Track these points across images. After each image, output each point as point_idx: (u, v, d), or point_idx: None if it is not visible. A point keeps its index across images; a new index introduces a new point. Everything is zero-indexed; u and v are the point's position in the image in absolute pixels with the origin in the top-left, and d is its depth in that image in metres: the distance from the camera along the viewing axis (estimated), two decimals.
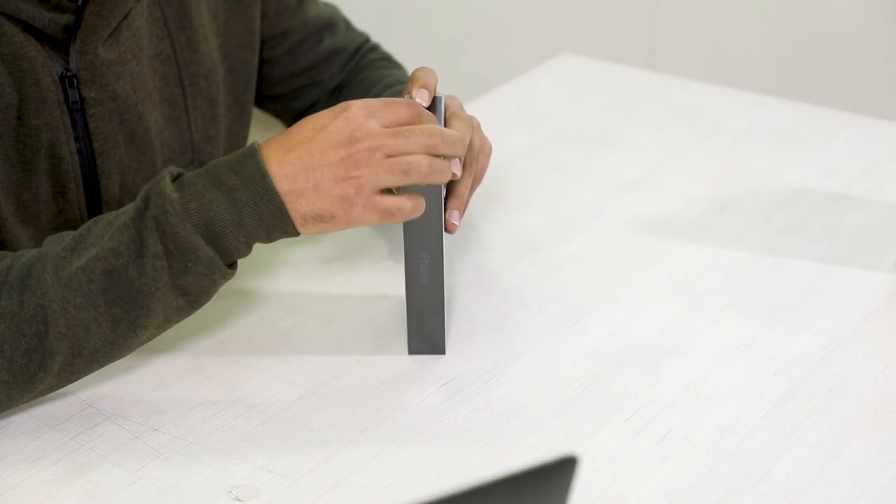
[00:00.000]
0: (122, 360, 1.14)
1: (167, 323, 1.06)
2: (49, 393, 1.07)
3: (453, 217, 1.12)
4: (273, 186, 1.02)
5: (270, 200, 1.02)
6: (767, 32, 2.55)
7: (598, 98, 1.69)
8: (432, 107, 1.09)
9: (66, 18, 1.14)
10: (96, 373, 1.12)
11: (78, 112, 1.16)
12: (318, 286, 1.26)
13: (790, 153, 1.53)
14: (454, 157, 1.07)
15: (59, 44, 1.14)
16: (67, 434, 1.06)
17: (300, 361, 1.15)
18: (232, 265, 1.05)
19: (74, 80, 1.15)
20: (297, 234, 1.05)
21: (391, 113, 1.04)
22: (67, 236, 1.05)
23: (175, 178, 1.04)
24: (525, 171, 1.49)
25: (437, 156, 1.05)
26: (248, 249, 1.05)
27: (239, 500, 0.99)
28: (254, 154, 1.03)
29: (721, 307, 1.23)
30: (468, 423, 1.08)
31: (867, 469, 1.03)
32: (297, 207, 1.03)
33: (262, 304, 1.23)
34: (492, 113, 1.61)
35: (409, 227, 1.10)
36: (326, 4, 1.42)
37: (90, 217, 1.20)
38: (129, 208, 1.04)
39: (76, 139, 1.16)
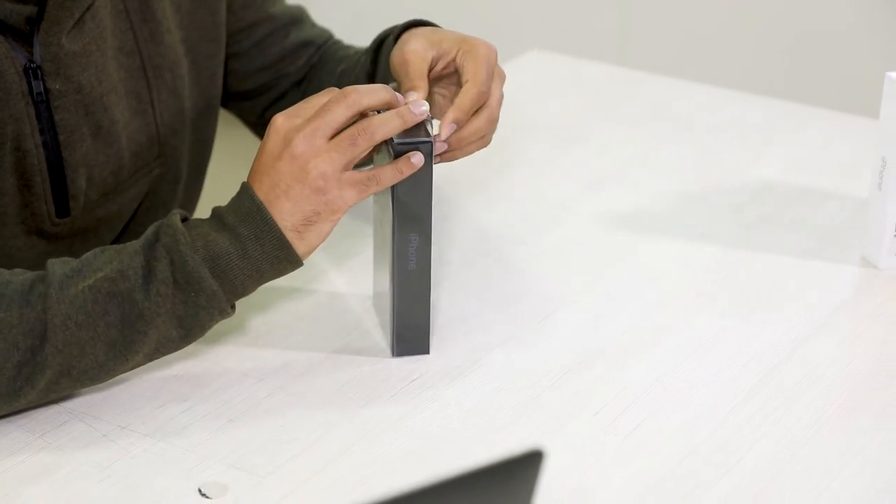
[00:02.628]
0: None
1: (156, 353, 1.07)
2: (24, 409, 1.07)
3: (447, 129, 1.14)
4: (269, 215, 1.05)
5: (269, 229, 1.05)
6: (736, 29, 2.55)
7: (568, 94, 1.69)
8: None
9: (28, 9, 1.13)
10: None
11: (43, 104, 1.15)
12: (287, 283, 1.25)
13: (759, 147, 1.53)
14: (380, 102, 1.08)
15: (22, 35, 1.14)
16: (34, 433, 1.05)
17: (269, 358, 1.15)
18: (233, 305, 1.07)
19: (39, 72, 1.14)
20: (299, 261, 1.07)
21: (309, 106, 1.07)
22: (73, 261, 1.06)
23: (183, 219, 1.07)
24: (496, 167, 1.49)
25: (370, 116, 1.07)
26: (255, 287, 1.07)
27: (207, 497, 0.99)
28: (247, 191, 1.06)
29: (690, 301, 1.24)
30: (438, 418, 1.08)
31: (835, 459, 1.04)
32: (285, 224, 1.05)
33: None
34: None
35: (399, 207, 1.10)
36: (294, 4, 1.42)
37: (57, 211, 1.19)
38: (139, 240, 1.06)
39: (41, 131, 1.16)
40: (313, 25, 1.43)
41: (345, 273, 1.28)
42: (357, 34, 1.94)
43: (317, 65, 1.40)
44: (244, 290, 1.07)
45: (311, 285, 1.25)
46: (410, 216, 1.10)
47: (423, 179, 1.09)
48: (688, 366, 1.15)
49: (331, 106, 1.06)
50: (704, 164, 1.50)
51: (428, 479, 0.96)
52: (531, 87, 1.71)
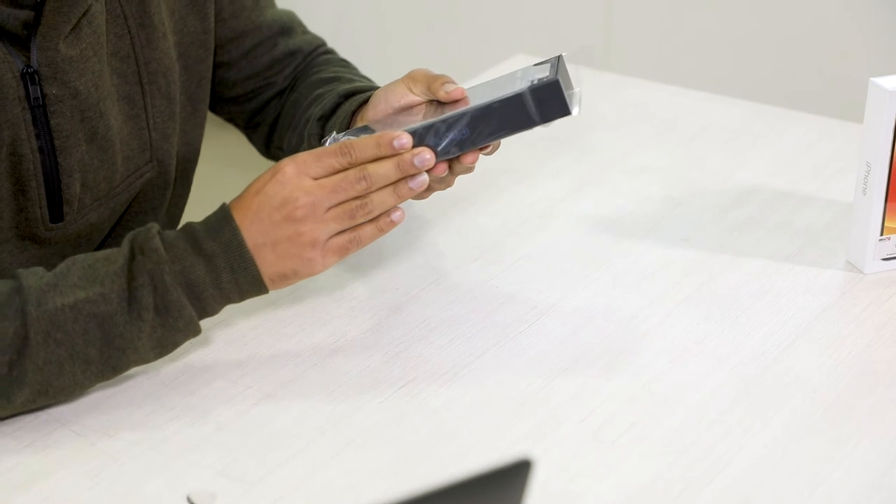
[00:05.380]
0: None
1: (128, 369, 1.09)
2: None
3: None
4: (250, 254, 1.07)
5: (247, 268, 1.08)
6: (720, 33, 2.56)
7: None
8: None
9: (25, 14, 1.13)
10: None
11: (39, 109, 1.15)
12: (274, 290, 1.25)
13: (742, 151, 1.54)
14: (387, 197, 1.09)
15: (19, 40, 1.14)
16: (22, 441, 1.05)
17: (256, 365, 1.15)
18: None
19: (36, 77, 1.14)
20: (266, 292, 1.10)
21: (322, 166, 1.08)
22: (42, 271, 1.07)
23: (158, 232, 1.08)
24: (479, 172, 1.48)
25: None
26: (220, 309, 1.10)
27: None
28: (228, 220, 1.08)
29: (675, 306, 1.24)
30: (425, 425, 1.08)
31: (822, 463, 1.04)
32: (264, 271, 1.08)
33: None
34: None
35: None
36: (284, 10, 1.42)
37: (51, 216, 1.19)
38: (114, 257, 1.07)
39: (38, 136, 1.16)
40: (304, 32, 1.42)
41: (332, 279, 1.28)
42: (340, 35, 1.94)
43: (300, 75, 1.39)
44: (213, 313, 1.10)
45: (297, 292, 1.25)
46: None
47: None
48: (673, 371, 1.15)
49: (346, 186, 1.07)
50: (688, 168, 1.50)
51: (416, 487, 0.97)
52: None
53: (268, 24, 1.39)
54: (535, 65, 1.17)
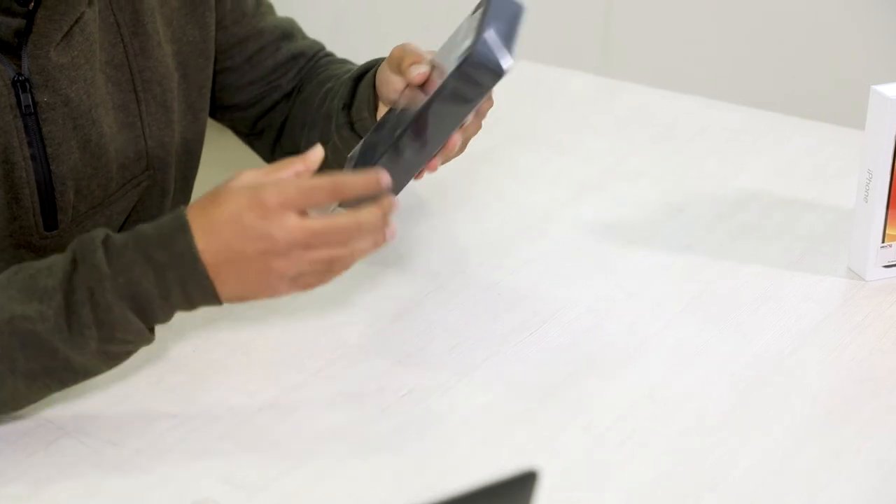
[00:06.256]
0: None
1: (82, 380, 1.06)
2: None
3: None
4: (204, 270, 0.99)
5: (200, 284, 1.00)
6: (719, 38, 2.56)
7: (552, 104, 1.69)
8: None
9: (17, 22, 1.14)
10: None
11: (31, 117, 1.16)
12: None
13: (742, 157, 1.54)
14: (368, 247, 1.02)
15: (10, 48, 1.14)
16: (26, 450, 1.05)
17: (259, 373, 1.15)
18: (152, 330, 1.04)
19: (27, 84, 1.15)
20: (220, 304, 1.03)
21: (308, 201, 0.99)
22: None
23: (102, 241, 1.01)
24: (480, 178, 1.49)
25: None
26: (172, 316, 1.04)
27: None
28: (184, 230, 0.99)
29: (676, 312, 1.24)
30: (429, 432, 1.08)
31: (823, 470, 1.04)
32: (222, 291, 1.01)
33: (219, 316, 1.22)
34: None
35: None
36: (284, 17, 1.43)
37: (45, 224, 1.19)
38: (56, 268, 1.01)
39: (30, 144, 1.16)
40: (304, 37, 1.43)
41: (336, 286, 1.27)
42: (337, 38, 1.94)
43: (305, 78, 1.40)
44: (165, 321, 1.04)
45: (300, 299, 1.25)
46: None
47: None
48: (674, 378, 1.15)
49: (328, 242, 0.99)
50: (688, 173, 1.50)
51: (421, 496, 0.97)
52: (515, 96, 1.71)
53: (270, 29, 1.39)
54: (473, 13, 1.09)
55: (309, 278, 1.01)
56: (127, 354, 1.05)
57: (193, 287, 1.00)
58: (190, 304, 1.02)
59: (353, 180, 1.00)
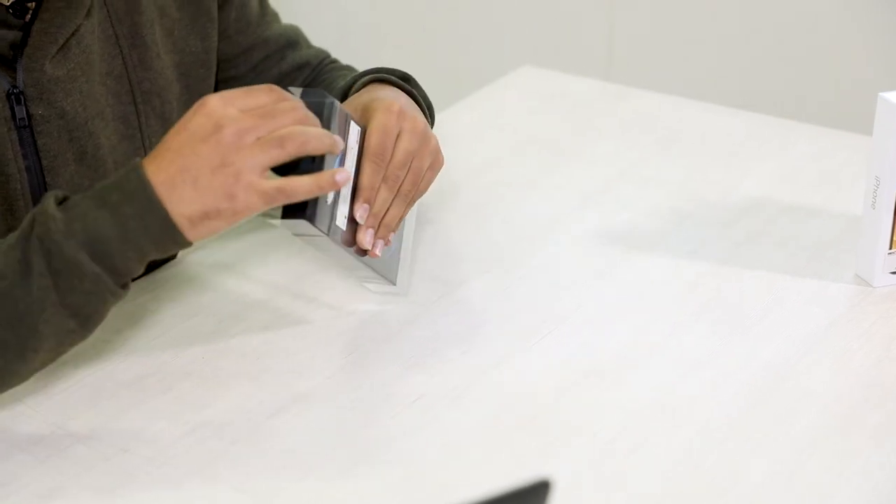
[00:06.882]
0: (90, 381, 1.14)
1: (60, 346, 1.04)
2: None
3: (360, 210, 1.13)
4: (156, 196, 1.00)
5: (154, 210, 1.00)
6: (725, 44, 2.57)
7: (558, 109, 1.70)
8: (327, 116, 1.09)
9: (12, 35, 1.14)
10: (64, 394, 1.12)
11: (26, 129, 1.16)
12: (287, 304, 1.26)
13: (748, 163, 1.54)
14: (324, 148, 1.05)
15: (5, 60, 1.14)
16: (38, 457, 1.06)
17: (270, 380, 1.15)
18: (124, 285, 1.04)
19: (21, 97, 1.15)
20: (188, 242, 1.02)
21: (251, 99, 1.03)
22: None
23: (60, 202, 1.03)
24: (487, 184, 1.50)
25: None
26: (140, 266, 1.03)
27: None
28: (135, 168, 1.01)
29: (684, 319, 1.25)
30: (439, 439, 1.09)
31: (833, 476, 1.05)
32: (181, 211, 1.01)
33: (230, 324, 1.23)
34: (453, 126, 1.62)
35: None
36: (289, 24, 1.43)
37: None
38: (16, 232, 1.03)
39: (24, 156, 1.16)
40: (309, 46, 1.43)
41: (346, 292, 1.28)
42: (341, 42, 1.94)
43: (310, 85, 1.40)
44: (129, 271, 1.03)
45: (310, 306, 1.26)
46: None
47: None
48: (682, 385, 1.15)
49: (276, 114, 1.02)
50: (693, 179, 1.51)
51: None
52: (521, 103, 1.72)
53: (275, 37, 1.39)
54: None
55: (266, 183, 1.01)
56: (97, 314, 1.03)
57: (149, 215, 1.00)
58: (152, 240, 1.01)
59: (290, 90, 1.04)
